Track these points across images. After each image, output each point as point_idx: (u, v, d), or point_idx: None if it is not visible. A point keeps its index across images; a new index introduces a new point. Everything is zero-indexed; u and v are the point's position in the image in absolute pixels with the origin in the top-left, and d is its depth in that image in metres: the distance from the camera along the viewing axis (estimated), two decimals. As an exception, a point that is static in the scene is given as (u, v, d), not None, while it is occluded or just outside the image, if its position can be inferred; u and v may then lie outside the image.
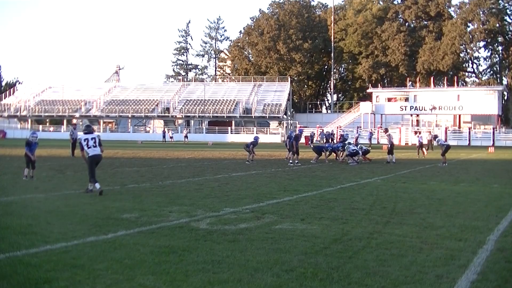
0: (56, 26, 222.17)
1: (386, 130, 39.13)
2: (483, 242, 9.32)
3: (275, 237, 9.46)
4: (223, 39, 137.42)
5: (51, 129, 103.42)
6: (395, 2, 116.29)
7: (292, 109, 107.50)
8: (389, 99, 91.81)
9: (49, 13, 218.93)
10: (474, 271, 7.45)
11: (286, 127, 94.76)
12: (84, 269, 7.29)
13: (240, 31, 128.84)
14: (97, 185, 15.30)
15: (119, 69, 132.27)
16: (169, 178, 20.59)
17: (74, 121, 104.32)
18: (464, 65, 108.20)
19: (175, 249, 8.41)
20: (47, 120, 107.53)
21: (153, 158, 35.96)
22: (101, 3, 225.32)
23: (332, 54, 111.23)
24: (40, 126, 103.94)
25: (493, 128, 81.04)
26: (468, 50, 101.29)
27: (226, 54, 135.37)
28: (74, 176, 21.25)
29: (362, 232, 10.06)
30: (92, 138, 15.82)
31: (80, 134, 18.62)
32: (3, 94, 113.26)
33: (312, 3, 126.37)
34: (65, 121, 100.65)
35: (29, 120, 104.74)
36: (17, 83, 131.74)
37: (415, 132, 73.10)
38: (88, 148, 15.76)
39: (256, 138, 33.77)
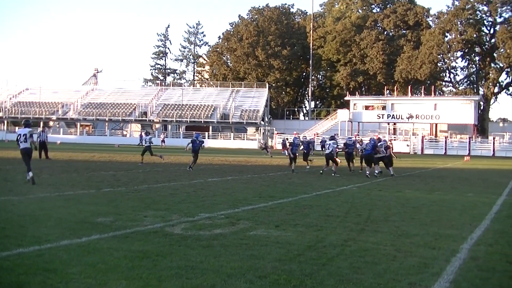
0: (34, 26, 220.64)
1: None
2: (456, 250, 9.38)
3: (249, 243, 9.45)
4: (202, 44, 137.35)
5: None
6: (374, 11, 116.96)
7: (269, 116, 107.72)
8: (367, 107, 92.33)
9: (27, 14, 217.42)
10: (447, 279, 7.50)
11: (263, 133, 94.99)
12: (57, 273, 7.24)
13: (219, 36, 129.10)
14: (30, 174, 18.30)
15: (97, 72, 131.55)
16: (145, 182, 20.53)
17: (51, 123, 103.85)
18: (441, 75, 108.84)
19: (149, 254, 8.37)
20: (24, 122, 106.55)
21: (130, 162, 35.86)
22: (80, 5, 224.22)
23: (311, 61, 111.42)
24: (16, 128, 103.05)
25: (469, 138, 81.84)
26: (446, 60, 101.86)
27: (204, 59, 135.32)
28: (49, 179, 21.10)
29: (337, 239, 10.08)
30: (24, 134, 18.89)
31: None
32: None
33: (292, 10, 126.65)
34: (41, 123, 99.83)
35: (5, 122, 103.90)
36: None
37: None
38: (20, 142, 18.83)
39: (197, 136, 31.34)
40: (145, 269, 7.54)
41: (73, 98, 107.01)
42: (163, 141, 78.52)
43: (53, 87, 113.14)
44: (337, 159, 28.29)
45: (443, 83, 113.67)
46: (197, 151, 29.22)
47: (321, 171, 27.82)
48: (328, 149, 28.37)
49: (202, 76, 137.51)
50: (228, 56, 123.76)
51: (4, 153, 39.59)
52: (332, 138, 29.73)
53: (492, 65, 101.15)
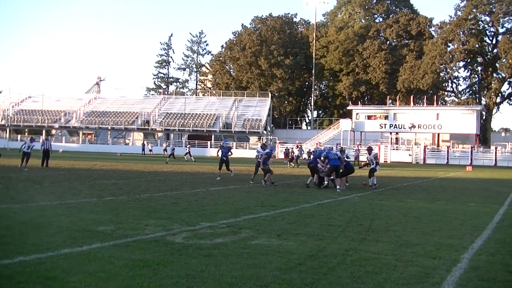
0: (38, 35, 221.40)
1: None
2: (457, 260, 9.36)
3: (250, 252, 9.45)
4: (204, 53, 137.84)
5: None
6: (377, 21, 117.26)
7: (272, 125, 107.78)
8: (369, 117, 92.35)
9: (31, 22, 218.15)
10: (448, 289, 7.50)
11: (265, 143, 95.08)
12: (57, 281, 7.23)
13: (222, 45, 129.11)
14: None
15: (100, 80, 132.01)
16: (147, 191, 20.49)
17: (53, 131, 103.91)
18: (443, 85, 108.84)
19: (149, 263, 8.36)
20: (26, 130, 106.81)
21: (132, 170, 35.83)
22: (83, 14, 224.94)
23: (313, 71, 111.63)
24: (19, 136, 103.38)
25: (471, 147, 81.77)
26: (448, 70, 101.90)
27: (207, 68, 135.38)
28: (51, 187, 21.11)
29: (338, 248, 10.06)
30: None
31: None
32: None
33: (295, 19, 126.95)
34: (44, 132, 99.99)
35: (8, 130, 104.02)
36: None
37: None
38: None
39: (259, 151, 27.91)
40: (146, 278, 7.53)
41: (75, 106, 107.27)
42: (165, 149, 78.71)
43: (56, 95, 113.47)
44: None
45: (446, 93, 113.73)
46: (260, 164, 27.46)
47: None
48: (258, 158, 27.13)
49: (204, 85, 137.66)
50: (231, 65, 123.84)
51: (6, 161, 39.60)
52: (264, 146, 28.66)
53: (494, 75, 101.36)
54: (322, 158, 24.96)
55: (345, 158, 26.73)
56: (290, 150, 58.26)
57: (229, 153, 30.32)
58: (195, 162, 50.08)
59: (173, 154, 56.56)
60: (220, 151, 30.11)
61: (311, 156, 30.10)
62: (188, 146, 67.98)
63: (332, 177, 24.55)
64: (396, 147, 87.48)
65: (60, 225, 11.84)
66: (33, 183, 22.39)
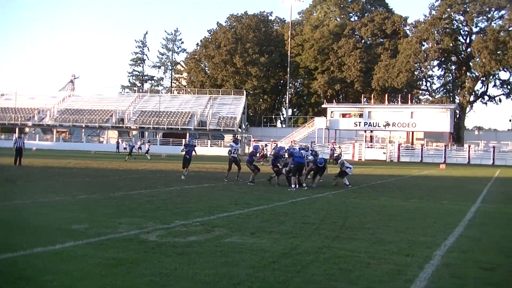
0: (10, 31, 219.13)
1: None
2: (430, 257, 9.45)
3: (224, 250, 9.45)
4: (180, 51, 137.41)
5: (2, 137, 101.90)
6: (352, 19, 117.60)
7: (247, 123, 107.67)
8: (344, 115, 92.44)
9: (3, 19, 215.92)
10: (420, 286, 7.56)
11: (240, 140, 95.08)
12: (30, 281, 7.19)
13: (197, 43, 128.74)
14: None
15: (74, 78, 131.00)
16: (121, 189, 20.41)
17: (27, 129, 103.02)
18: (418, 83, 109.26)
19: (123, 261, 8.33)
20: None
21: (106, 169, 35.66)
22: (57, 11, 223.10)
23: (288, 69, 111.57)
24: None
25: (445, 146, 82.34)
26: (423, 69, 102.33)
27: (182, 66, 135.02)
28: (24, 185, 20.96)
29: (311, 246, 10.10)
30: None
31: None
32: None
33: (270, 17, 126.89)
34: (17, 130, 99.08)
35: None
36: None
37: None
38: None
39: (256, 147, 30.33)
40: (119, 276, 7.51)
41: (49, 104, 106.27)
42: (139, 148, 78.38)
43: (29, 93, 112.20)
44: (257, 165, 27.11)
45: (420, 92, 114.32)
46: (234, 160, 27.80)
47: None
48: (233, 153, 27.45)
49: (179, 83, 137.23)
50: (206, 63, 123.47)
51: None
52: (236, 141, 28.72)
53: (468, 74, 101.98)
54: (286, 156, 25.00)
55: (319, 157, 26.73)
56: (261, 148, 58.86)
57: (194, 152, 29.78)
58: (150, 159, 50.37)
59: (131, 153, 55.53)
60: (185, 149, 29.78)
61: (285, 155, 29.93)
62: (148, 143, 68.00)
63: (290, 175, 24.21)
64: (371, 145, 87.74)
65: (34, 224, 11.79)
66: (6, 182, 22.23)
